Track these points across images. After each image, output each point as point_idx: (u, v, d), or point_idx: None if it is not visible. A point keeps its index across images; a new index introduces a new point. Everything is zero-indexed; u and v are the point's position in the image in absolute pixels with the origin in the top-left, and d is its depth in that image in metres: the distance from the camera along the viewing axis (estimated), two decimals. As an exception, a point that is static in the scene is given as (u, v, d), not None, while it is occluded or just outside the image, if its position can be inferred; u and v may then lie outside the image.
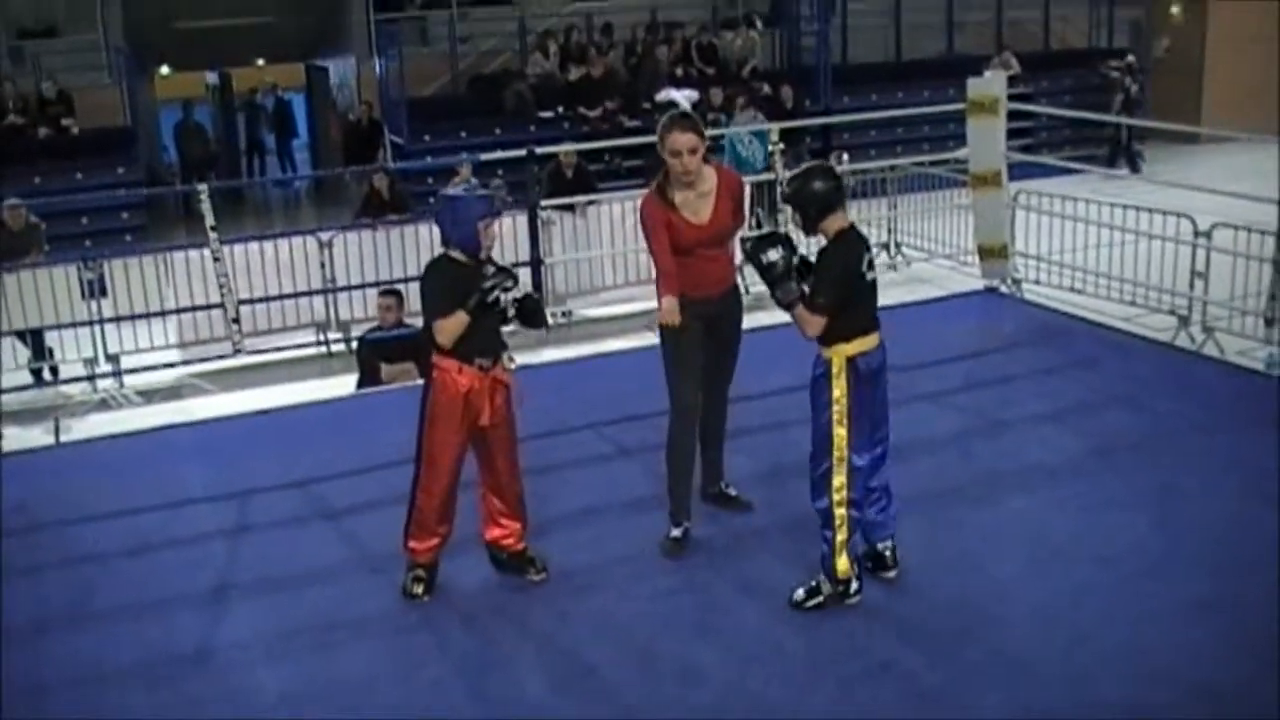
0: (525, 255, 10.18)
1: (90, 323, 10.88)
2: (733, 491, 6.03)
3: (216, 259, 9.64)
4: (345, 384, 9.46)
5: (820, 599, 5.02)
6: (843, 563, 4.95)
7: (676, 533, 5.66)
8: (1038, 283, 9.70)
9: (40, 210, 12.24)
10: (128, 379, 10.86)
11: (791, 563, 5.33)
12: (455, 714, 4.53)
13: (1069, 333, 8.60)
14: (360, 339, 9.75)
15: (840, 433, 4.88)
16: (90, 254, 11.50)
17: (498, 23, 18.61)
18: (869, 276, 4.93)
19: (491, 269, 5.08)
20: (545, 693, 4.63)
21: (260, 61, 22.46)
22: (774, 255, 4.80)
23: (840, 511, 4.91)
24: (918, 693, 4.47)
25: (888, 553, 5.27)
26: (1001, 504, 5.91)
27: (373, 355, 9.17)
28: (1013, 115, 9.48)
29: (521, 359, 9.13)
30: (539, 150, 11.16)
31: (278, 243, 11.16)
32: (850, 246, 4.89)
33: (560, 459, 6.64)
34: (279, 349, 10.72)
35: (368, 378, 9.08)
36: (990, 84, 9.37)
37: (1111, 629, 4.77)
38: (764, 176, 12.29)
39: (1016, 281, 9.61)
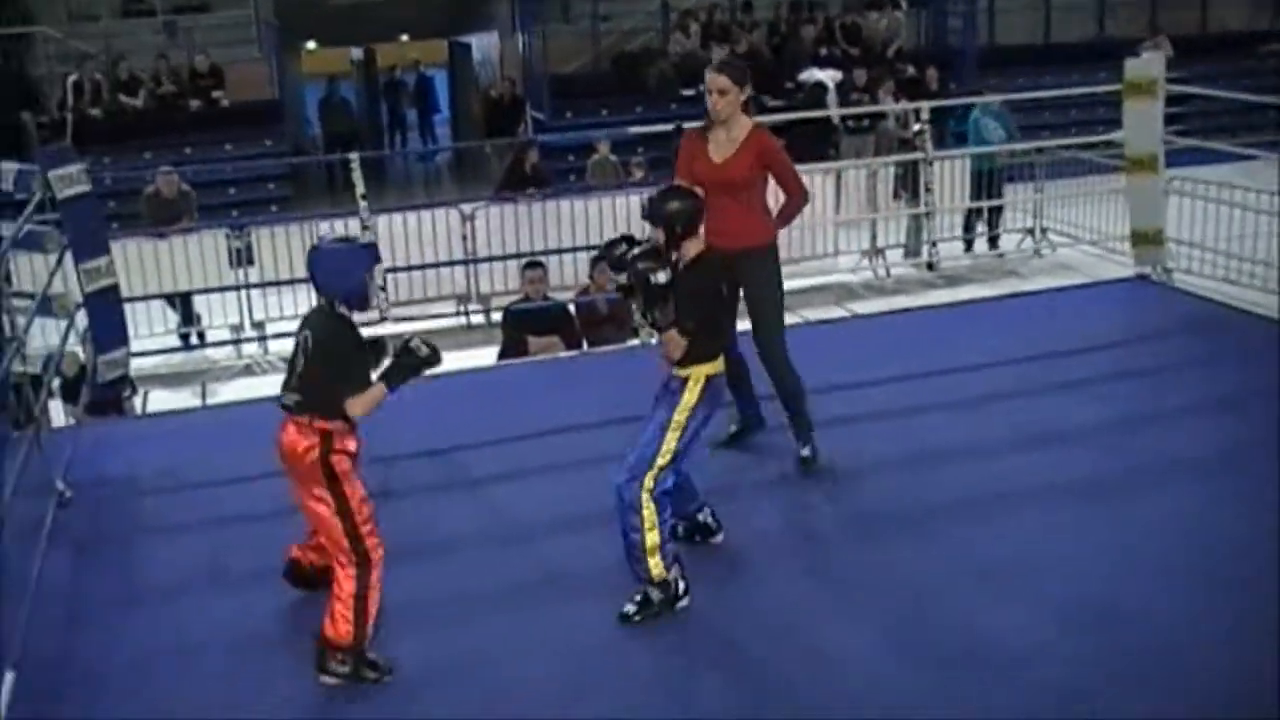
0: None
1: (237, 288, 11.11)
2: (806, 453, 6.06)
3: (365, 227, 9.73)
4: (485, 356, 9.51)
5: (655, 610, 4.84)
6: (656, 566, 4.79)
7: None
8: (1190, 272, 9.40)
9: (190, 179, 12.52)
10: (272, 345, 11.07)
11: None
12: (600, 687, 4.50)
13: (1222, 323, 8.31)
14: (506, 310, 9.79)
15: (673, 439, 4.81)
16: (238, 223, 11.75)
17: (640, 1, 18.59)
18: (725, 295, 5.01)
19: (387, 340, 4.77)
20: (692, 667, 4.60)
21: (404, 37, 22.73)
22: (662, 277, 4.73)
23: (649, 511, 4.76)
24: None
25: (709, 520, 5.32)
26: (1147, 498, 5.69)
27: (519, 327, 9.21)
28: (1168, 100, 9.18)
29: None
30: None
31: (420, 215, 11.27)
32: (711, 269, 4.91)
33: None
34: (422, 317, 10.82)
35: (512, 349, 9.12)
36: (1148, 65, 9.10)
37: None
38: (912, 156, 12.13)
39: (1168, 270, 9.32)
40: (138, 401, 9.65)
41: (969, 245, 13.26)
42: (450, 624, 4.90)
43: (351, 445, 4.52)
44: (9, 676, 4.16)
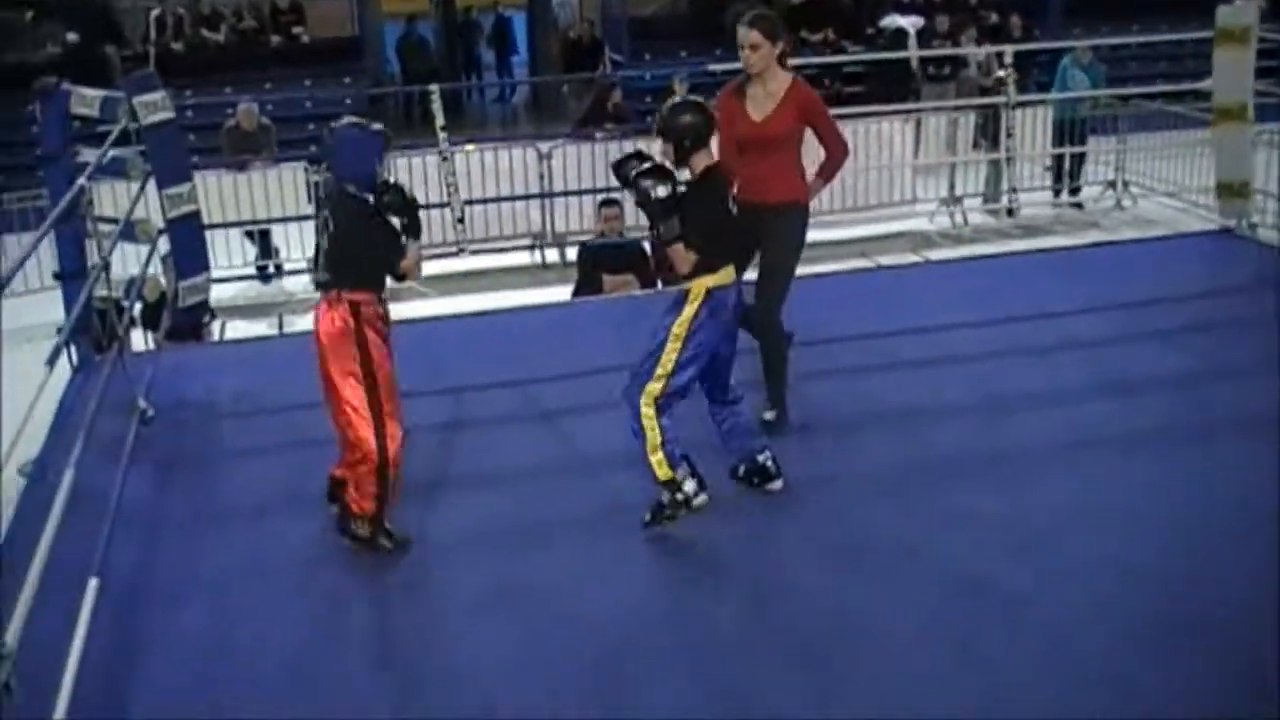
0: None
1: (314, 217, 11.17)
2: (769, 416, 5.85)
3: (444, 158, 9.73)
4: (560, 294, 9.53)
5: (668, 512, 4.91)
6: (659, 466, 4.83)
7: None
8: (1277, 227, 9.24)
9: (270, 114, 12.61)
10: (348, 279, 11.14)
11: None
12: (662, 618, 4.53)
13: (1308, 278, 8.17)
14: (583, 245, 9.79)
15: (672, 351, 4.83)
16: (317, 156, 11.81)
17: (721, -58, 18.40)
18: (733, 212, 4.93)
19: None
20: (751, 605, 4.61)
21: (484, -22, 22.68)
22: (662, 191, 4.71)
23: (649, 415, 4.82)
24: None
25: (768, 463, 5.24)
26: (1215, 452, 5.58)
27: (594, 265, 9.21)
28: (1259, 54, 8.98)
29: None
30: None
31: (498, 151, 11.29)
32: (718, 183, 4.89)
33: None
34: (499, 250, 10.86)
35: (587, 286, 9.13)
36: (1242, 12, 8.89)
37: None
38: (994, 100, 12.00)
39: (1253, 225, 9.16)
40: (215, 329, 9.76)
41: (1057, 194, 13.12)
42: (515, 551, 4.96)
43: (379, 320, 4.82)
44: (92, 583, 4.25)
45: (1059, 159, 12.94)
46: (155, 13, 16.17)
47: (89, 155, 6.87)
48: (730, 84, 5.71)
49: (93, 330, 6.82)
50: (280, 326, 10.34)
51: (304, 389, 6.36)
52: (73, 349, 7.32)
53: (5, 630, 3.18)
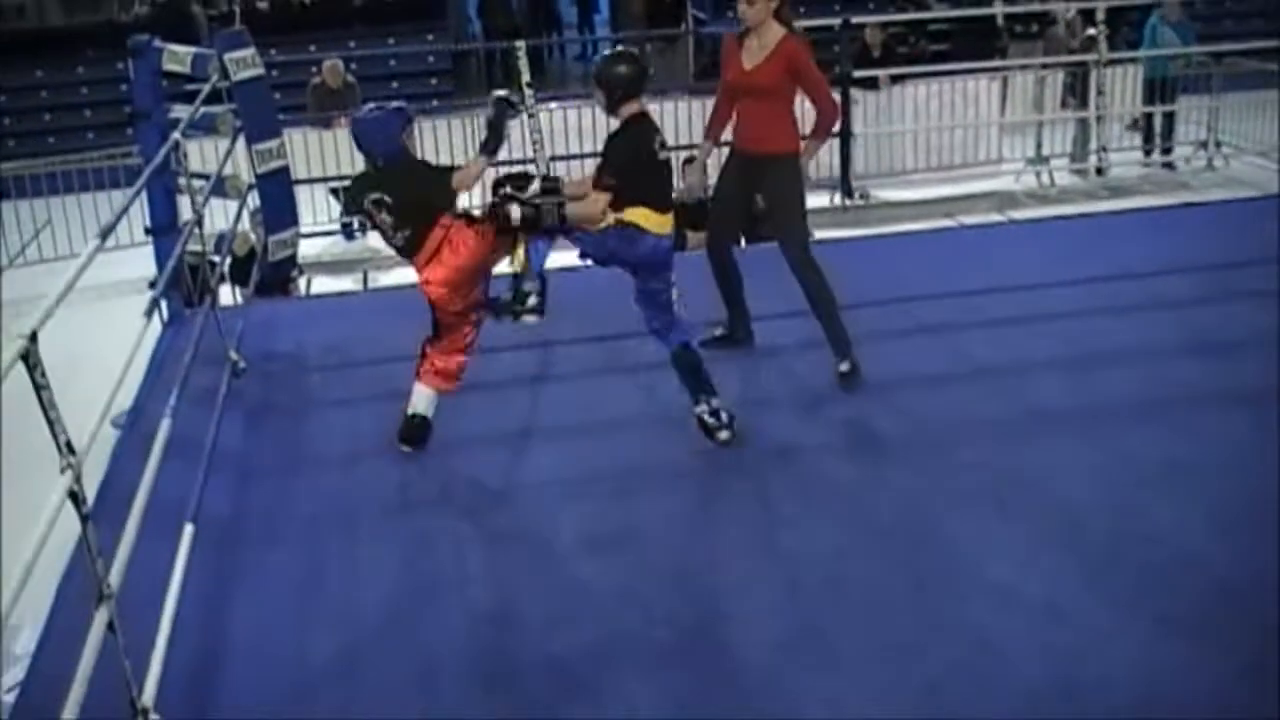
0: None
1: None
2: (844, 368, 5.94)
3: (530, 115, 9.74)
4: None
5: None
6: None
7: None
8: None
9: (353, 72, 12.70)
10: (432, 236, 11.23)
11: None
12: (749, 562, 4.57)
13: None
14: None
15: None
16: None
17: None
18: (661, 156, 5.12)
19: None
20: (844, 543, 4.64)
21: (567, -67, 22.57)
22: (515, 213, 4.99)
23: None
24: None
25: (707, 417, 5.35)
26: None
27: (678, 221, 9.18)
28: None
29: (820, 234, 9.10)
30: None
31: (580, 109, 11.29)
32: (643, 130, 5.09)
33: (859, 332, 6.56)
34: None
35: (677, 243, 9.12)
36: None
37: None
38: (1084, 58, 11.84)
39: (1348, 186, 8.98)
40: (301, 284, 9.88)
41: (1148, 154, 12.93)
42: (607, 498, 5.03)
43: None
44: (189, 529, 4.34)
45: (1149, 118, 12.74)
46: (241, -29, 16.32)
47: (180, 112, 6.97)
48: (737, 32, 5.89)
49: (184, 285, 6.92)
50: (365, 282, 10.44)
51: (389, 342, 6.48)
52: (163, 303, 7.46)
53: (110, 572, 3.25)
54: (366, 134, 5.27)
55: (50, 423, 2.93)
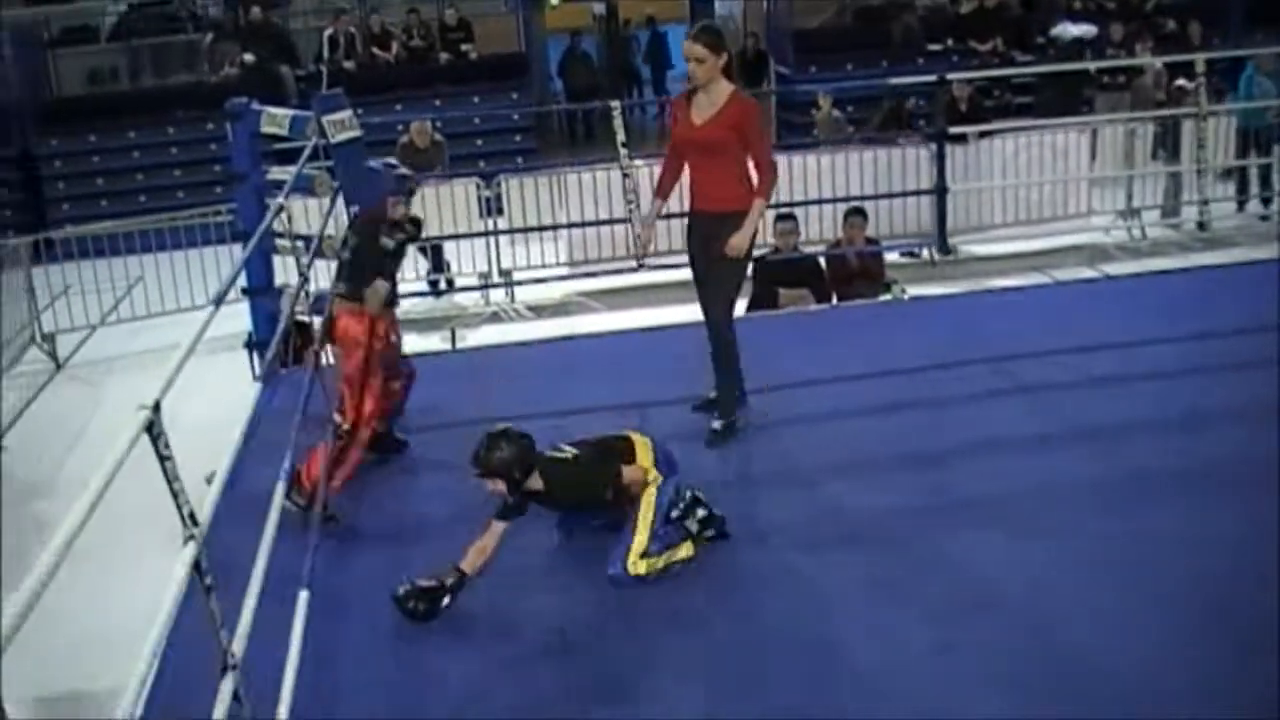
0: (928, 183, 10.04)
1: (485, 234, 11.32)
2: (717, 426, 6.06)
3: (626, 175, 9.70)
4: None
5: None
6: None
7: None
8: None
9: (439, 130, 12.82)
10: (519, 293, 11.28)
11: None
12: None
13: None
14: (757, 261, 9.73)
15: None
16: (489, 172, 11.98)
17: (886, -46, 18.25)
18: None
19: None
20: (942, 610, 4.52)
21: (648, -9, 22.79)
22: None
23: None
24: None
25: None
26: None
27: (770, 279, 9.16)
28: None
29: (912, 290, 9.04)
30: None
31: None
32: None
33: (957, 392, 6.48)
34: (675, 266, 10.87)
35: (762, 300, 9.09)
36: None
37: None
38: (1179, 111, 11.69)
39: None
40: (393, 343, 9.92)
41: (1241, 206, 12.74)
42: (723, 554, 5.00)
43: (391, 336, 5.82)
44: (304, 595, 4.33)
45: (1244, 170, 12.57)
46: (328, 32, 16.54)
47: (278, 173, 7.04)
48: (684, 92, 5.97)
49: (289, 346, 6.95)
50: (453, 341, 10.47)
51: (481, 404, 6.49)
52: (256, 361, 7.51)
53: (233, 640, 3.23)
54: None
55: (174, 494, 2.92)
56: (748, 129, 5.80)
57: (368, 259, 5.69)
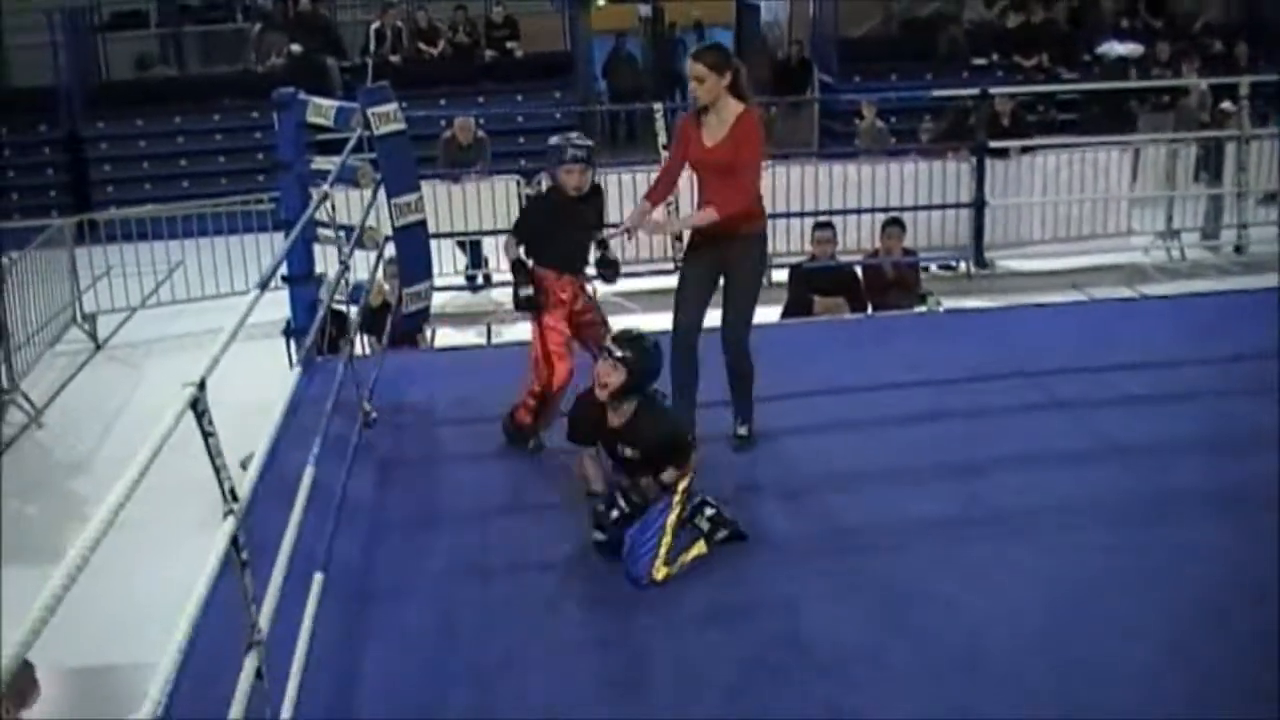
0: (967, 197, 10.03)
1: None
2: (743, 431, 5.99)
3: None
4: (769, 315, 9.51)
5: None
6: None
7: None
8: None
9: (483, 127, 12.91)
10: (555, 291, 11.31)
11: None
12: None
13: None
14: (794, 268, 9.78)
15: None
16: (530, 170, 12.02)
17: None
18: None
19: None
20: (978, 622, 4.54)
21: (694, -5, 22.81)
22: None
23: None
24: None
25: None
26: None
27: (806, 286, 9.20)
28: None
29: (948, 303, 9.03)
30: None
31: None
32: None
33: (990, 404, 6.49)
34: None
35: (797, 308, 9.12)
36: None
37: None
38: (1221, 134, 11.64)
39: None
40: (427, 335, 9.99)
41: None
42: (739, 555, 5.01)
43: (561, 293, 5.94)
44: (318, 577, 4.38)
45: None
46: (375, 25, 16.67)
47: (321, 163, 7.10)
48: (692, 111, 5.83)
49: (325, 334, 7.01)
50: (489, 336, 10.54)
51: (512, 399, 6.52)
52: (295, 348, 7.58)
53: (259, 618, 3.29)
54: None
55: (217, 470, 2.98)
56: (743, 148, 5.63)
57: (557, 225, 5.91)
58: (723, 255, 5.75)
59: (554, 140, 6.04)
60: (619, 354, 4.96)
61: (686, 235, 6.12)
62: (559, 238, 5.96)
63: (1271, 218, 12.74)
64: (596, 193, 6.05)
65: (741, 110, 5.66)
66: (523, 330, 10.63)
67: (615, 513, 4.93)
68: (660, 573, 4.81)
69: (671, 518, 4.89)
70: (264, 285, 3.95)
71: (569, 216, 5.94)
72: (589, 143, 6.08)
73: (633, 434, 5.00)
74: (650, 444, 5.02)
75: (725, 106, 5.65)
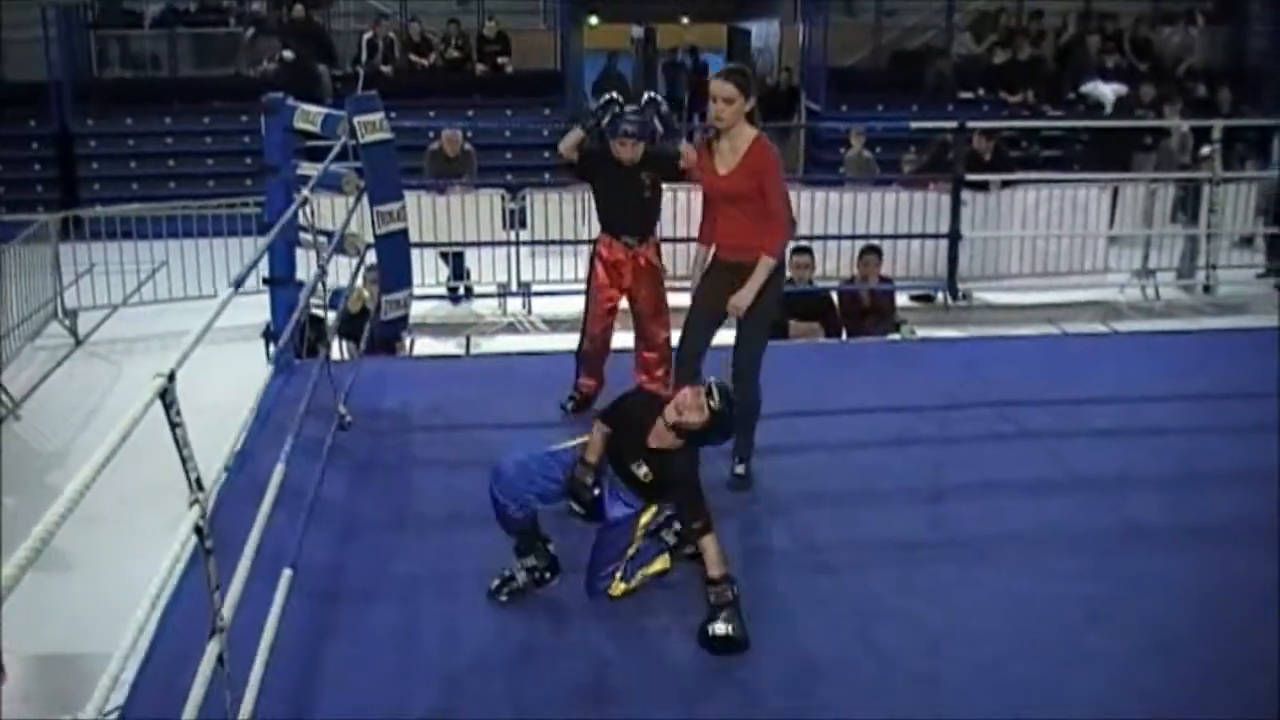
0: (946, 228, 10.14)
1: (508, 244, 11.45)
2: (740, 470, 5.83)
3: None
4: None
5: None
6: None
7: None
8: None
9: (471, 141, 12.98)
10: (535, 305, 11.40)
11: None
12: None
13: None
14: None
15: None
16: (516, 185, 12.11)
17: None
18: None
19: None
20: (935, 641, 4.61)
21: (685, 19, 22.95)
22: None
23: None
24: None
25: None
26: None
27: (782, 310, 9.26)
28: None
29: (922, 333, 9.10)
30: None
31: (691, 192, 11.41)
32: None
33: (960, 433, 6.57)
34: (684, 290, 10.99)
35: (773, 331, 9.18)
36: None
37: None
38: (1197, 176, 11.78)
39: None
40: (407, 344, 10.05)
41: (1269, 273, 12.81)
42: (696, 579, 4.93)
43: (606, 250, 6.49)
44: (286, 573, 4.43)
45: (1274, 238, 12.63)
46: (368, 36, 16.75)
47: (307, 168, 7.16)
48: (702, 137, 5.84)
49: (303, 338, 7.07)
50: (467, 348, 10.60)
51: (492, 408, 6.59)
52: (272, 350, 7.62)
53: (223, 606, 3.34)
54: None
55: (184, 459, 3.04)
56: (765, 179, 5.50)
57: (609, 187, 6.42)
58: (738, 282, 5.60)
59: (606, 101, 6.31)
60: (714, 403, 4.66)
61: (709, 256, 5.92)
62: (609, 199, 6.48)
63: (1247, 260, 12.91)
64: (650, 161, 6.33)
65: (754, 136, 5.52)
66: (502, 343, 10.81)
67: (597, 490, 4.86)
68: (618, 589, 4.85)
69: (636, 533, 4.90)
70: (239, 282, 4.00)
71: (620, 183, 6.32)
72: (644, 118, 6.24)
73: (660, 462, 4.78)
74: (669, 479, 4.79)
75: (740, 133, 5.51)
